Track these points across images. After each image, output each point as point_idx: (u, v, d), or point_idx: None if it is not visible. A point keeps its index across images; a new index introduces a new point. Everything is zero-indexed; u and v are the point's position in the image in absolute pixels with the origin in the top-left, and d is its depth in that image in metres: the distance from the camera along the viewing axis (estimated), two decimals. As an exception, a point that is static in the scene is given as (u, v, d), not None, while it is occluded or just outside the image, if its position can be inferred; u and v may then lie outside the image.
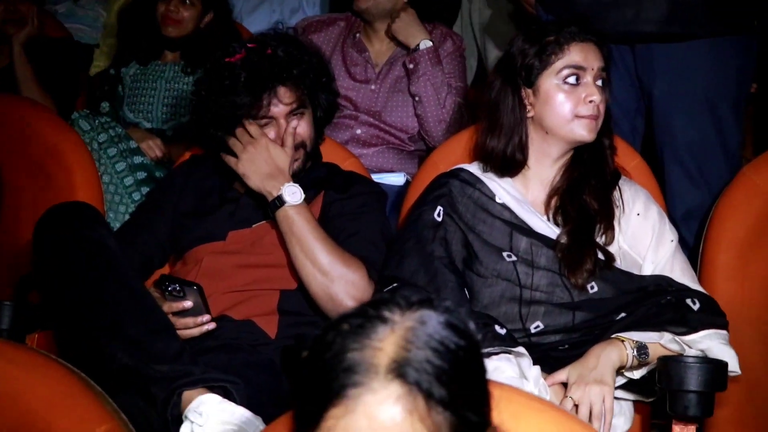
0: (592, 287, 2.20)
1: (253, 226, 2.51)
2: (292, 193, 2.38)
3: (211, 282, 2.40)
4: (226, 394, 2.04)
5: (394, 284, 2.23)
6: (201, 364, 2.10)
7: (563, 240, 2.23)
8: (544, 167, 2.33)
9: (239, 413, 2.00)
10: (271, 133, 2.46)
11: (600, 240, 2.24)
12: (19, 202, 2.75)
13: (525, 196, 2.32)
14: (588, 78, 2.25)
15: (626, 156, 2.57)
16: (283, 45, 2.49)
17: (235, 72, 2.42)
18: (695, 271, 2.44)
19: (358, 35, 3.45)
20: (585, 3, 2.81)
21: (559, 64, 2.26)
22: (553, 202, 2.31)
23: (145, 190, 3.09)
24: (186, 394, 2.01)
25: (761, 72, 2.88)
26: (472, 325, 1.18)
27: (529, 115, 2.30)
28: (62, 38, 4.06)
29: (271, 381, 2.24)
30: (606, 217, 2.26)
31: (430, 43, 3.28)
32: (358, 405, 1.12)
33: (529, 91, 2.29)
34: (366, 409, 1.12)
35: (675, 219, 2.77)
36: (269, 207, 2.39)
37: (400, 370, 1.12)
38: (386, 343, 1.14)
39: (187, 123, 3.09)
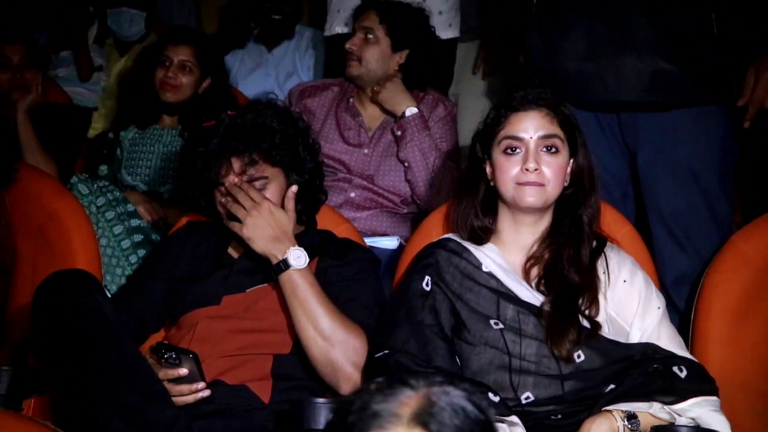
0: (578, 356, 2.21)
1: (247, 290, 2.53)
2: (297, 257, 2.39)
3: (205, 347, 2.41)
4: (222, 461, 2.05)
5: (385, 351, 2.25)
6: (196, 431, 2.11)
7: (546, 308, 2.26)
8: (519, 233, 2.36)
9: (234, 481, 2.01)
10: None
11: (585, 311, 2.26)
12: (19, 265, 2.76)
13: (506, 261, 2.35)
14: (528, 147, 2.28)
15: (617, 224, 2.61)
16: (257, 114, 2.55)
17: (207, 138, 2.51)
18: (687, 338, 2.47)
19: (351, 100, 3.50)
20: (569, 73, 2.86)
21: (501, 134, 2.32)
22: (534, 271, 2.33)
23: (141, 252, 3.11)
24: (181, 462, 2.02)
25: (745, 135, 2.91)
26: (488, 406, 1.23)
27: (491, 184, 2.35)
28: (63, 104, 4.12)
29: (264, 447, 2.25)
30: (589, 289, 2.28)
31: (416, 110, 3.33)
32: None
33: (488, 160, 2.35)
34: None
35: (665, 284, 2.80)
36: (272, 270, 2.40)
37: (422, 419, 1.19)
38: (411, 400, 1.21)
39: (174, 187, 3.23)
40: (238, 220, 2.44)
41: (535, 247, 2.35)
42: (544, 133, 2.29)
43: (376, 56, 3.41)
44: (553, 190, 2.30)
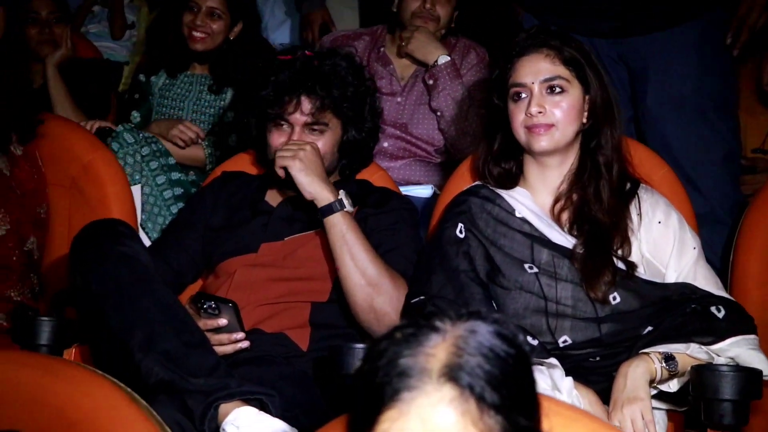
0: (614, 298, 2.21)
1: (285, 239, 2.53)
2: (348, 201, 2.41)
3: (243, 294, 2.43)
4: (262, 407, 2.06)
5: (421, 297, 2.25)
6: (236, 377, 2.12)
7: (579, 251, 2.25)
8: (545, 176, 2.35)
9: (276, 425, 2.02)
10: (282, 137, 2.53)
11: (618, 252, 2.25)
12: (53, 218, 2.78)
13: (537, 205, 2.34)
14: (532, 91, 2.28)
15: (653, 166, 2.58)
16: (335, 63, 2.57)
17: (279, 70, 2.52)
18: (726, 278, 2.45)
19: (382, 49, 3.47)
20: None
21: (509, 82, 2.32)
22: (565, 214, 2.32)
23: (181, 205, 3.11)
24: (223, 407, 2.03)
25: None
26: (520, 336, 1.21)
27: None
28: (93, 59, 4.11)
29: (304, 393, 2.26)
30: (619, 229, 2.27)
31: (448, 58, 3.30)
32: (411, 408, 1.15)
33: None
34: (420, 411, 1.15)
35: None
36: (321, 211, 2.39)
37: (452, 374, 1.15)
38: (438, 349, 1.17)
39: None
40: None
41: (562, 188, 2.34)
42: (544, 77, 2.28)
43: (448, 15, 3.42)
44: (564, 130, 2.28)
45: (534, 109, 2.26)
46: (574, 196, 2.32)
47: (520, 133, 2.31)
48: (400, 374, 1.16)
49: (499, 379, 1.16)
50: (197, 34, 3.49)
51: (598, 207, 2.28)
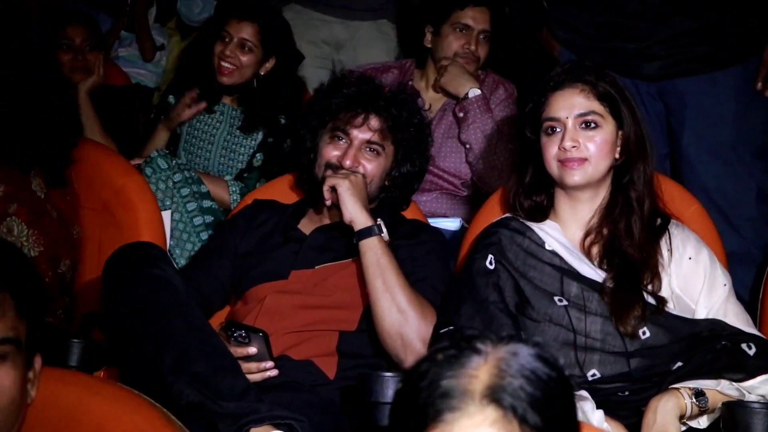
0: (644, 333, 2.20)
1: (316, 267, 2.54)
2: (385, 228, 2.43)
3: (272, 321, 2.43)
4: (292, 432, 2.06)
5: (450, 327, 2.26)
6: (267, 401, 2.12)
7: (609, 284, 2.25)
8: (576, 210, 2.36)
9: (305, 450, 2.02)
10: (337, 151, 2.57)
11: (648, 287, 2.25)
12: (84, 241, 2.79)
13: (567, 238, 2.34)
14: (566, 125, 2.29)
15: (683, 202, 2.59)
16: (405, 96, 2.66)
17: (350, 85, 2.58)
18: (756, 314, 2.44)
19: (411, 83, 3.49)
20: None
21: (543, 116, 2.33)
22: (595, 248, 2.32)
23: (211, 233, 3.07)
24: (253, 431, 2.02)
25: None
26: (561, 360, 1.21)
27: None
28: (124, 86, 4.14)
29: (331, 420, 2.26)
30: (649, 265, 2.27)
31: (479, 92, 3.33)
32: (454, 428, 1.15)
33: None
34: None
35: None
36: (358, 234, 2.42)
37: (495, 396, 1.15)
38: (480, 371, 1.17)
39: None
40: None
41: (593, 222, 2.34)
42: (579, 112, 2.29)
43: (487, 53, 3.46)
44: (597, 165, 2.29)
45: (568, 144, 2.27)
46: (605, 231, 2.32)
47: (553, 167, 2.32)
48: (443, 395, 1.16)
49: (542, 401, 1.16)
50: (226, 65, 3.39)
51: (629, 242, 2.28)
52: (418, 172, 2.70)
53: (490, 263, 2.33)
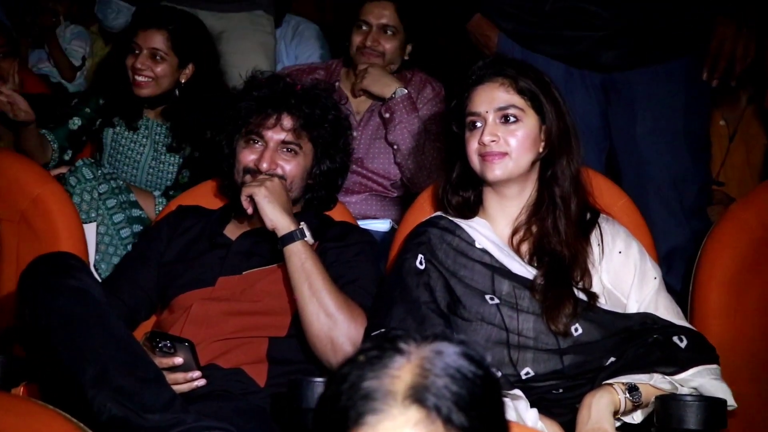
0: (576, 329, 2.19)
1: (243, 273, 2.49)
2: (308, 231, 2.39)
3: (199, 329, 2.38)
4: (220, 442, 2.01)
5: (381, 329, 2.22)
6: (193, 412, 2.06)
7: (539, 282, 2.24)
8: (504, 206, 2.34)
9: (234, 461, 1.97)
10: (253, 155, 2.53)
11: (579, 283, 2.24)
12: (2, 253, 2.71)
13: (497, 236, 2.32)
14: (487, 120, 2.28)
15: (612, 196, 2.58)
16: (321, 95, 2.61)
17: (259, 84, 2.54)
18: (686, 309, 2.45)
19: (337, 84, 3.46)
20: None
21: (466, 111, 2.32)
22: (525, 245, 2.31)
23: (135, 241, 3.00)
24: (179, 442, 1.98)
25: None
26: (488, 358, 1.17)
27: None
28: (41, 94, 3.99)
29: (261, 428, 2.21)
30: (580, 262, 2.26)
31: (405, 91, 3.31)
32: (377, 431, 1.11)
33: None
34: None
35: (659, 257, 2.78)
36: (281, 241, 2.37)
37: (418, 396, 1.12)
38: (403, 371, 1.14)
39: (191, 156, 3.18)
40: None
41: (521, 219, 2.33)
42: (498, 105, 2.28)
43: (396, 49, 3.43)
44: (518, 160, 2.27)
45: (487, 138, 2.26)
46: (533, 228, 2.30)
47: (475, 162, 2.30)
48: (365, 397, 1.12)
49: (467, 400, 1.13)
50: (140, 79, 3.22)
51: (557, 239, 2.27)
52: (340, 167, 2.67)
53: (420, 263, 2.30)
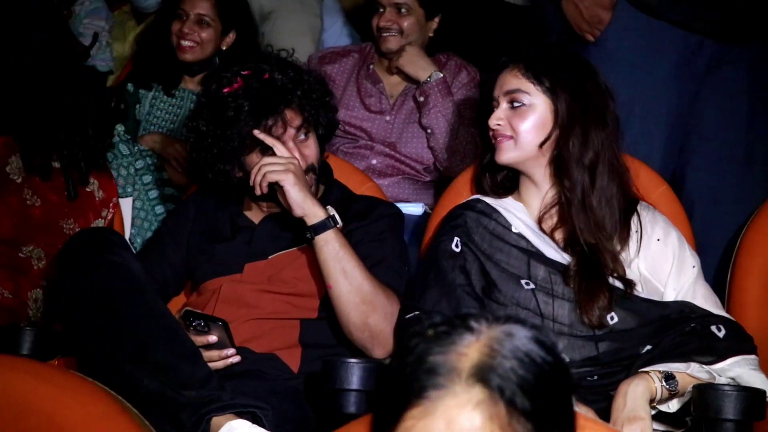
0: (611, 318, 2.18)
1: (270, 257, 2.46)
2: (338, 217, 2.33)
3: (231, 309, 2.37)
4: (255, 420, 2.02)
5: (416, 312, 2.22)
6: (228, 389, 2.07)
7: (572, 269, 2.22)
8: (532, 190, 2.33)
9: (269, 438, 1.98)
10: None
11: (613, 272, 2.21)
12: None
13: (531, 219, 2.32)
14: (500, 104, 2.30)
15: (651, 183, 2.55)
16: (279, 68, 2.44)
17: (238, 102, 2.36)
18: (724, 299, 2.42)
19: (372, 66, 3.46)
20: None
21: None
22: (558, 234, 2.28)
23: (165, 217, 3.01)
24: (215, 419, 1.99)
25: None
26: (559, 345, 1.16)
27: None
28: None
29: (296, 409, 2.22)
30: (613, 251, 2.23)
31: (441, 75, 3.29)
32: (438, 407, 1.10)
33: None
34: (446, 411, 1.09)
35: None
36: (311, 230, 2.29)
37: (483, 375, 1.10)
38: (471, 349, 1.12)
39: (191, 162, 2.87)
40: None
41: (546, 203, 2.31)
42: (506, 89, 2.29)
43: (414, 26, 3.38)
44: (523, 143, 2.27)
45: (492, 122, 2.29)
46: (562, 214, 2.28)
47: (493, 144, 2.32)
48: (429, 371, 1.11)
49: (533, 385, 1.11)
50: (185, 43, 3.35)
51: (586, 227, 2.23)
52: (333, 124, 2.58)
53: (456, 246, 2.29)
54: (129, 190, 2.99)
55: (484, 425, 1.09)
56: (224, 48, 3.42)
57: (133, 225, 2.97)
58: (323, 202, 2.37)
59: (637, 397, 2.03)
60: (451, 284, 2.24)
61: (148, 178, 3.07)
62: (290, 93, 2.40)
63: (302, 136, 2.43)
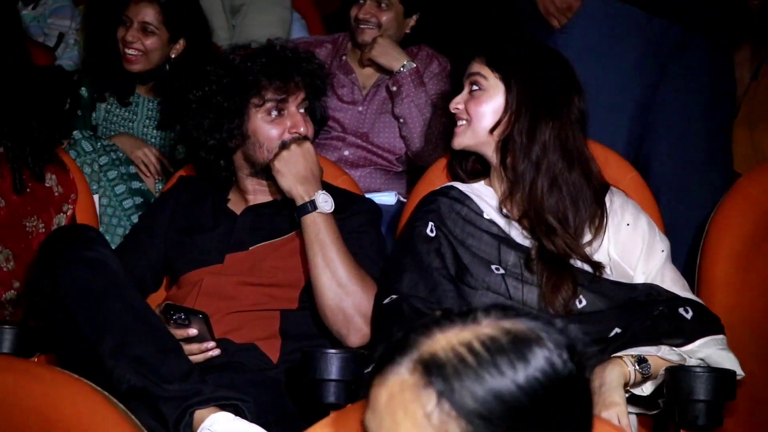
0: (579, 301, 2.20)
1: (251, 248, 2.48)
2: (325, 201, 2.37)
3: (211, 302, 2.38)
4: (238, 412, 2.03)
5: (393, 296, 2.23)
6: (210, 382, 2.09)
7: (534, 259, 2.24)
8: (495, 175, 2.36)
9: (252, 430, 1.99)
10: (277, 128, 2.44)
11: (576, 257, 2.24)
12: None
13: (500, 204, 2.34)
14: (463, 90, 2.36)
15: (621, 169, 2.58)
16: (291, 49, 2.52)
17: (253, 59, 2.42)
18: (693, 284, 2.46)
19: (344, 57, 3.47)
20: None
21: None
22: (521, 217, 2.30)
23: (141, 213, 2.97)
24: (198, 413, 2.00)
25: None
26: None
27: None
28: (47, 66, 3.93)
29: (275, 400, 2.24)
30: (573, 236, 2.25)
31: (414, 65, 3.31)
32: (388, 378, 1.10)
33: None
34: (392, 385, 1.09)
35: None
36: (298, 211, 2.36)
37: (429, 368, 1.08)
38: (442, 338, 1.10)
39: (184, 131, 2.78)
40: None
41: (504, 188, 2.33)
42: (468, 72, 2.34)
43: (392, 21, 3.39)
44: (479, 128, 2.31)
45: (451, 106, 2.35)
46: (518, 198, 2.30)
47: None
48: (397, 344, 1.10)
49: (485, 415, 1.06)
50: (130, 53, 3.22)
51: (540, 211, 2.26)
52: (323, 117, 2.65)
53: (431, 230, 2.31)
54: (94, 187, 2.95)
55: (417, 409, 1.06)
56: (173, 56, 3.31)
57: (101, 222, 2.92)
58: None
59: (612, 382, 2.06)
60: (428, 268, 2.26)
61: (113, 174, 3.03)
62: (305, 61, 2.48)
63: (302, 110, 2.48)
